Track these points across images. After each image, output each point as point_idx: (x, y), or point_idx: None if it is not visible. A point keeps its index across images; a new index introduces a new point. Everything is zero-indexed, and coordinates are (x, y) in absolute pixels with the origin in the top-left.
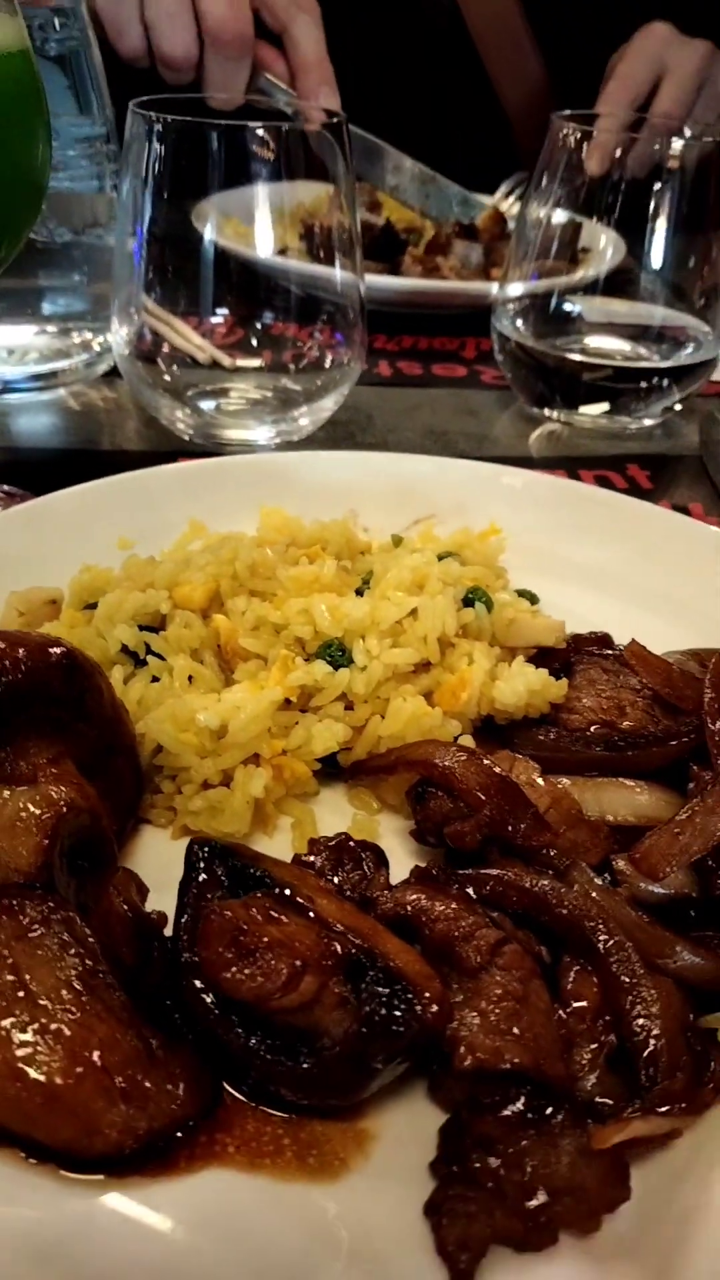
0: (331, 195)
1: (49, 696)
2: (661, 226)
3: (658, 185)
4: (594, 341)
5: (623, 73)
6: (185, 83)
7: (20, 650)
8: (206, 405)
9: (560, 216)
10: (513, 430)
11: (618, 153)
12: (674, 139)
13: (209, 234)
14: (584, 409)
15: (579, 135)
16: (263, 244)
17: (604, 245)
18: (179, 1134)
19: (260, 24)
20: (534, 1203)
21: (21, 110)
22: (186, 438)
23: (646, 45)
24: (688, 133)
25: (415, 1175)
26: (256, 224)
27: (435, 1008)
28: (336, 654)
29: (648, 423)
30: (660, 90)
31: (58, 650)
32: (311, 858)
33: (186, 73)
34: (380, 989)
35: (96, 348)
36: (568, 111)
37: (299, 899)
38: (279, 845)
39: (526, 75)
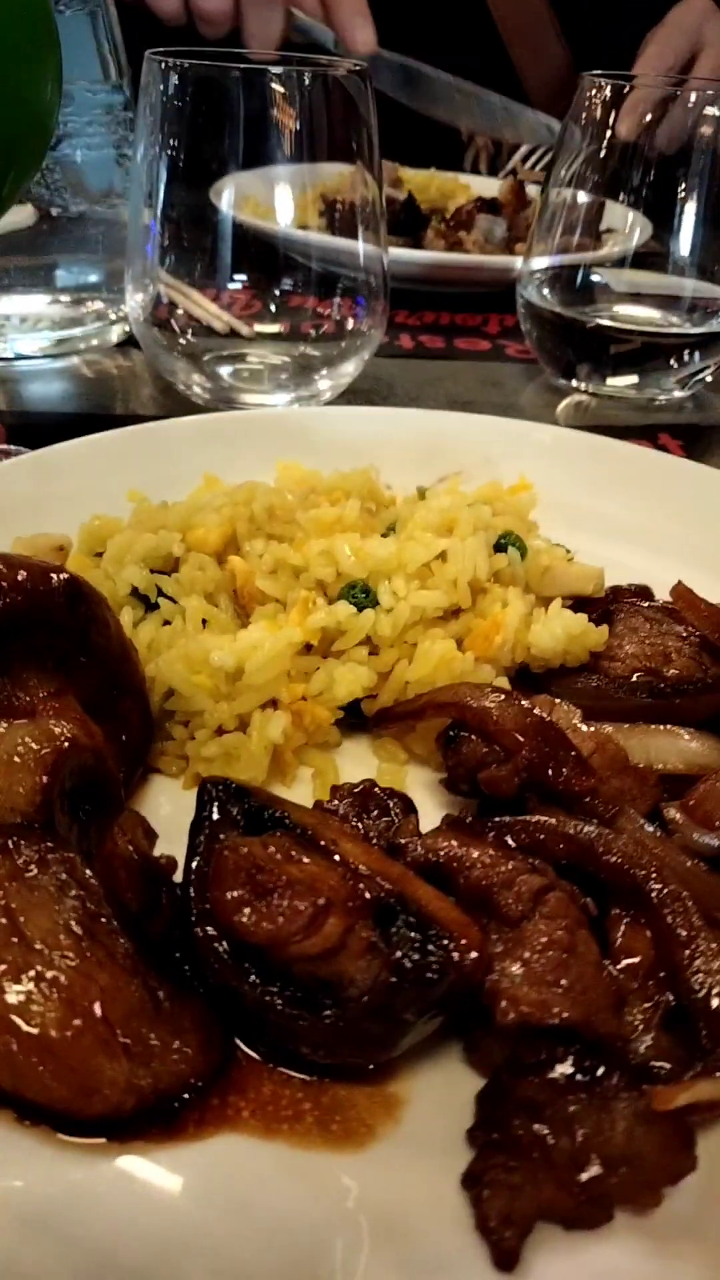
0: (355, 170)
1: (51, 624)
2: (692, 199)
3: (688, 156)
4: (622, 310)
5: (659, 42)
6: (222, 35)
7: (20, 573)
8: (224, 371)
9: (584, 196)
10: (539, 400)
11: (649, 118)
12: (709, 104)
13: (226, 206)
14: (612, 380)
15: (610, 95)
16: (283, 215)
17: (630, 224)
18: (187, 1095)
19: None
20: (586, 1174)
21: (28, 34)
22: (203, 403)
23: (684, 18)
24: None
25: (451, 1144)
26: (276, 196)
27: (473, 954)
28: (361, 595)
29: (677, 394)
30: (698, 61)
31: (61, 575)
32: (335, 803)
33: (223, 24)
34: (413, 934)
35: (112, 316)
36: (599, 71)
37: (322, 841)
38: (298, 797)
39: (550, 60)
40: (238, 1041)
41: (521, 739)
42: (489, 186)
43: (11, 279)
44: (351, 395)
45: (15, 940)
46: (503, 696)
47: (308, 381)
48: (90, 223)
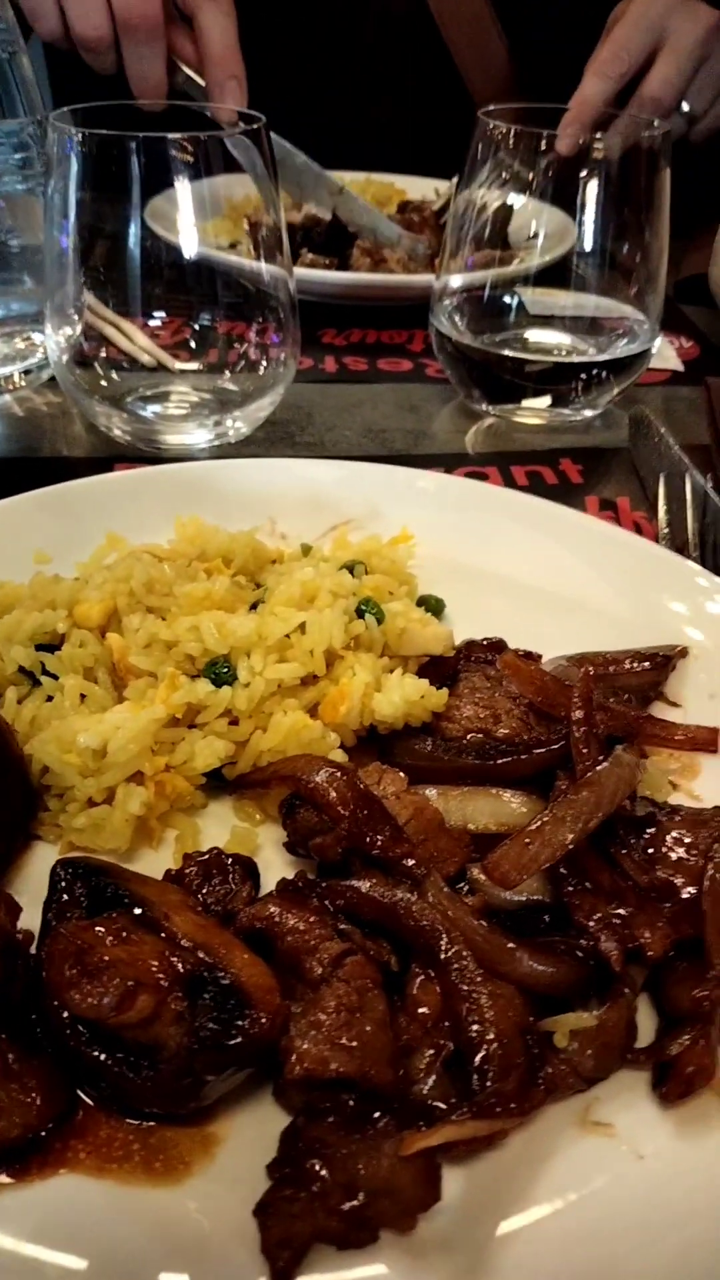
0: (256, 196)
1: None
2: (598, 213)
3: (589, 173)
4: (533, 335)
5: (617, 40)
6: (110, 67)
7: None
8: (144, 412)
9: (495, 202)
10: (451, 426)
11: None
12: (603, 134)
13: (159, 231)
14: (524, 403)
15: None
16: (188, 242)
17: (548, 231)
18: (40, 1136)
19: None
20: (353, 1204)
21: None
22: (124, 444)
23: (649, 9)
24: (686, 108)
25: (255, 1177)
26: (183, 220)
27: (265, 1020)
28: (222, 671)
29: (588, 413)
30: (656, 62)
31: None
32: (186, 870)
33: (105, 54)
34: (215, 1003)
35: (42, 353)
36: (492, 107)
37: (154, 916)
38: (164, 858)
39: (491, 58)
40: (81, 1092)
41: (344, 811)
42: (424, 189)
43: None
44: (270, 425)
45: None
46: (332, 771)
47: (226, 419)
48: (16, 253)
